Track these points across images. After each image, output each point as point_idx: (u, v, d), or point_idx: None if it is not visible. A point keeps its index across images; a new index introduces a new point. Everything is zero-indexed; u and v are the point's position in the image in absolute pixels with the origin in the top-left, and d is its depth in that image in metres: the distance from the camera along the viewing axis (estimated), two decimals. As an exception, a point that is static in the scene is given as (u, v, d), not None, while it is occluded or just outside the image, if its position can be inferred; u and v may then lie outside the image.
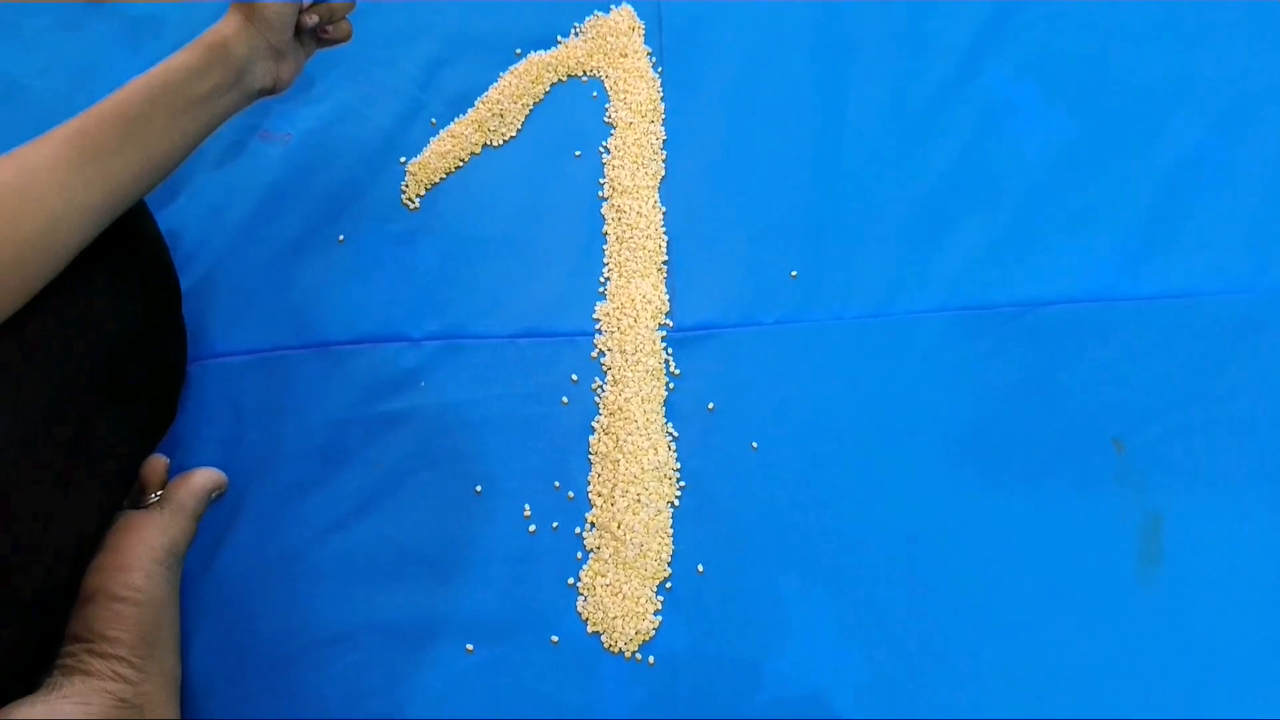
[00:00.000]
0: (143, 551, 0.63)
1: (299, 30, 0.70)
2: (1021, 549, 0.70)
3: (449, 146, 0.82)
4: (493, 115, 0.84)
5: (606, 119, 0.84)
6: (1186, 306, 0.77)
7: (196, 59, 0.65)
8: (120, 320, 0.63)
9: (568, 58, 0.86)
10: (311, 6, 0.70)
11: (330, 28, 0.72)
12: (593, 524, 0.71)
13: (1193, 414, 0.74)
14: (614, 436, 0.73)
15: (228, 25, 0.67)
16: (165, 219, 0.79)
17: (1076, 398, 0.74)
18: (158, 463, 0.67)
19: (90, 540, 0.63)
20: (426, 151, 0.82)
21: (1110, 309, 0.77)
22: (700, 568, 0.69)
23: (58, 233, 0.57)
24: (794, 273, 0.79)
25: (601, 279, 0.78)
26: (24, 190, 0.55)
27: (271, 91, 0.70)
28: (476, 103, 0.84)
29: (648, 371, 0.75)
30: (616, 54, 0.86)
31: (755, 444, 0.73)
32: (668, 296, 0.77)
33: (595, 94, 0.85)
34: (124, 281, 0.64)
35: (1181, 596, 0.69)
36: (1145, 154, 0.82)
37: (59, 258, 0.57)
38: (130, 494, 0.67)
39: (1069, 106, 0.84)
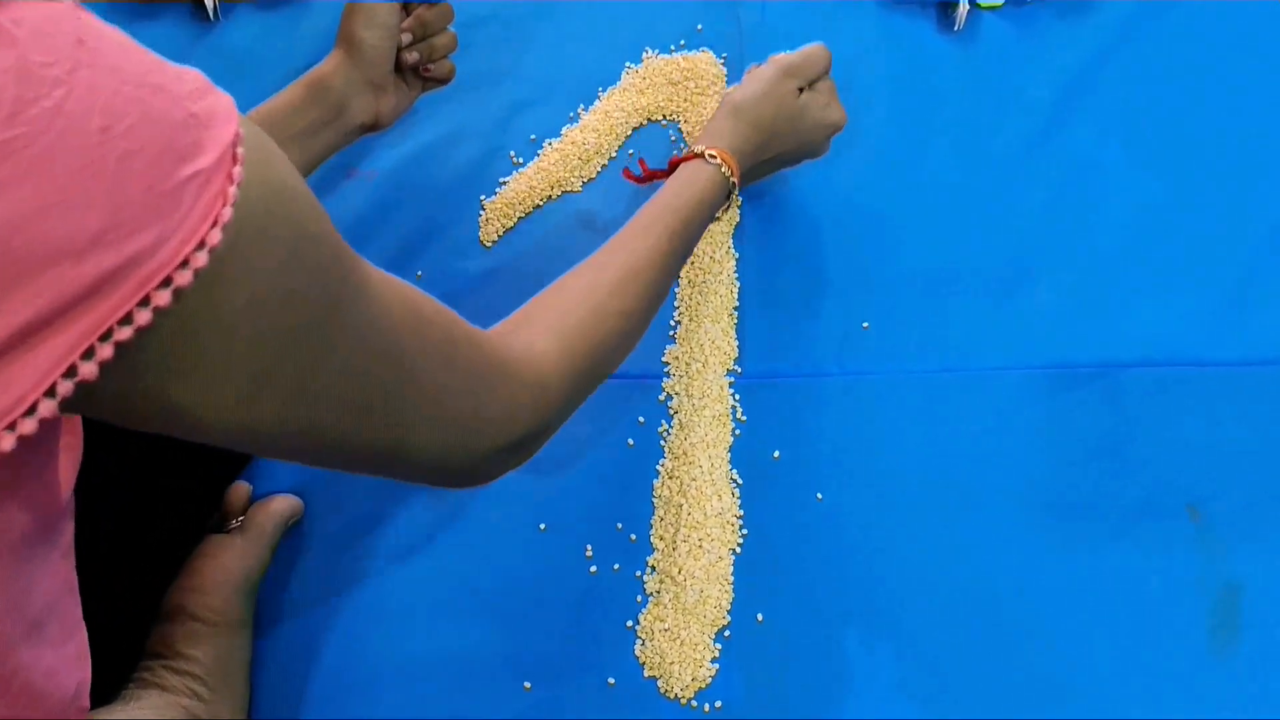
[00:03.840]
0: (222, 575, 0.65)
1: (401, 68, 0.73)
2: (1090, 613, 0.69)
3: (527, 187, 0.84)
4: (571, 157, 0.85)
5: (683, 163, 0.85)
6: (1270, 374, 0.75)
7: (298, 95, 0.68)
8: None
9: (648, 103, 0.87)
10: (411, 44, 0.72)
11: (432, 66, 0.74)
12: (653, 568, 0.71)
13: (1274, 485, 0.72)
14: (678, 481, 0.73)
15: (329, 62, 0.69)
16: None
17: (1153, 463, 0.73)
18: (240, 489, 0.70)
19: (173, 560, 0.66)
20: (505, 191, 0.84)
21: (1191, 374, 0.75)
22: (760, 617, 0.69)
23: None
24: (865, 324, 0.78)
25: (672, 322, 0.79)
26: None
27: (373, 127, 0.73)
28: (556, 144, 0.86)
29: (714, 417, 0.75)
30: (696, 97, 0.87)
31: (820, 495, 0.73)
32: (737, 343, 0.78)
33: (674, 137, 0.86)
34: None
35: (1256, 669, 0.67)
36: (1231, 218, 0.81)
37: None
38: (214, 518, 0.70)
39: (1155, 166, 0.83)
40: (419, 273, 0.82)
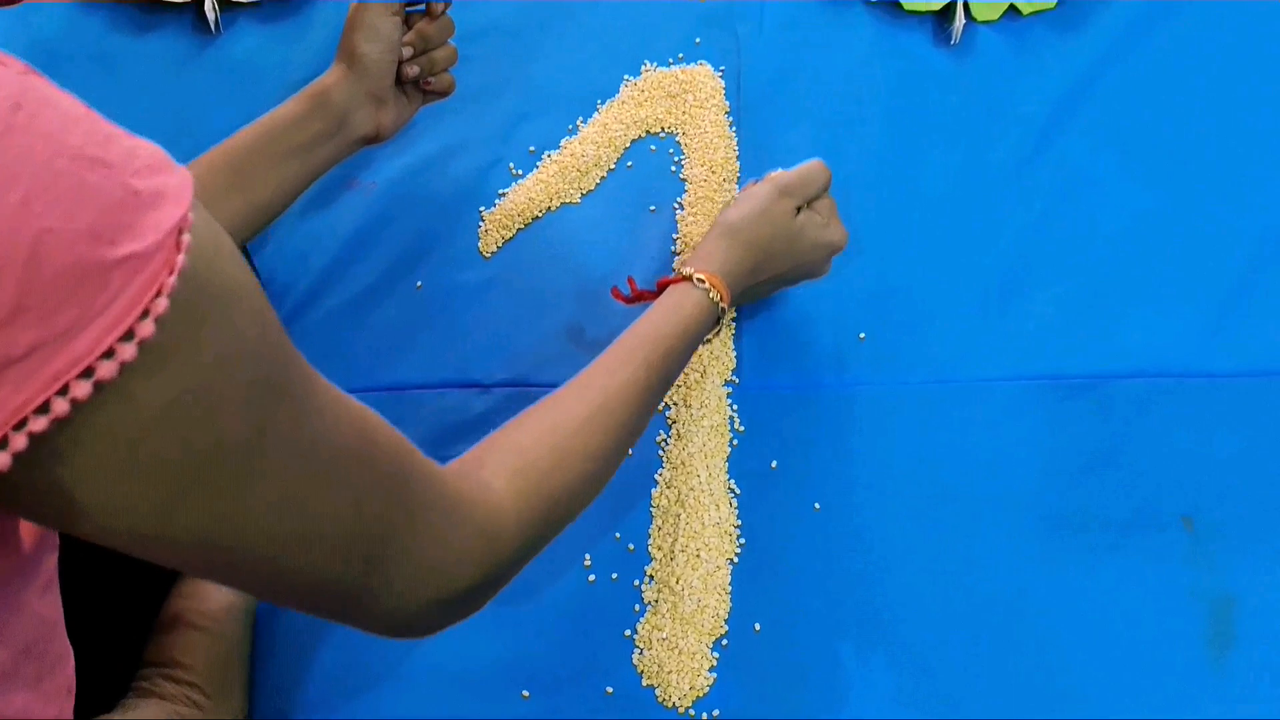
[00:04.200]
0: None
1: (402, 81, 0.73)
2: (1086, 624, 0.69)
3: (526, 199, 0.85)
4: (570, 169, 0.86)
5: (682, 175, 0.86)
6: (1263, 386, 0.75)
7: (299, 108, 0.68)
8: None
9: (646, 115, 0.88)
10: (413, 58, 0.73)
11: (432, 79, 0.75)
12: (651, 577, 0.72)
13: (1268, 496, 0.72)
14: (676, 491, 0.73)
15: (330, 75, 0.70)
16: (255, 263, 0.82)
17: (1148, 474, 0.73)
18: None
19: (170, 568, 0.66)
20: (504, 203, 0.85)
21: (1185, 385, 0.76)
22: (757, 626, 0.70)
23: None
24: (862, 335, 0.79)
25: (670, 333, 0.79)
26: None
27: (374, 139, 0.73)
28: (555, 156, 0.87)
29: (712, 427, 0.75)
30: (694, 110, 0.88)
31: (817, 505, 0.73)
32: (735, 353, 0.78)
33: (672, 150, 0.87)
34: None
35: (1252, 680, 0.67)
36: (1223, 230, 0.81)
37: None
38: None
39: (1148, 179, 0.84)
40: (419, 283, 0.82)
